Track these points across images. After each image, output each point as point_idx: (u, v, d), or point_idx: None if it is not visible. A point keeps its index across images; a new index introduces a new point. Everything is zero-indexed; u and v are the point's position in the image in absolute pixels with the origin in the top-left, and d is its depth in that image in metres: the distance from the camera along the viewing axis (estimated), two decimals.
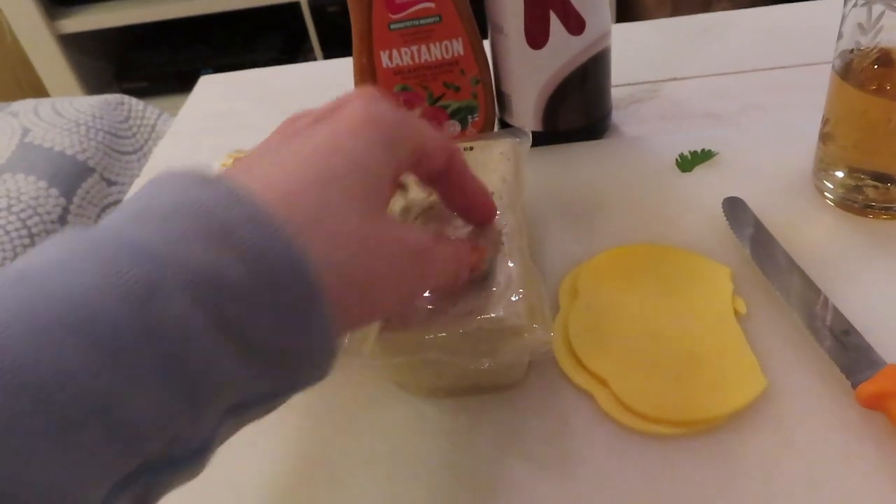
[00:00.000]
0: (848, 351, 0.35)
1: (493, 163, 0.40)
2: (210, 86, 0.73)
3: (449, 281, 0.31)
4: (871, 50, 0.41)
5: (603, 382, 0.36)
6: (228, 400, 0.22)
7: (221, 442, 0.23)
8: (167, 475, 0.21)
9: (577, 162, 0.51)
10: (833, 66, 0.42)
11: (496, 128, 0.54)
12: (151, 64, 1.76)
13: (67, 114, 0.94)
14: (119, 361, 0.19)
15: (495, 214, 0.36)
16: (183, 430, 0.21)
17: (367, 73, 0.50)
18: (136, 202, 0.23)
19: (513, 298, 0.32)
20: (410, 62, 0.49)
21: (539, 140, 0.52)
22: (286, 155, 0.26)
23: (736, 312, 0.38)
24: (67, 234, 0.21)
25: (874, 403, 0.33)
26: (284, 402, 0.25)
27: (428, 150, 0.30)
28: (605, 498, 0.32)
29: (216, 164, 0.49)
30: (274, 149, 0.27)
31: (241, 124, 0.65)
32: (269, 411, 0.24)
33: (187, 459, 0.22)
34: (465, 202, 0.35)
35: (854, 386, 0.34)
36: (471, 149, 0.42)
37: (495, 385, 0.37)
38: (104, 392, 0.19)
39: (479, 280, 0.34)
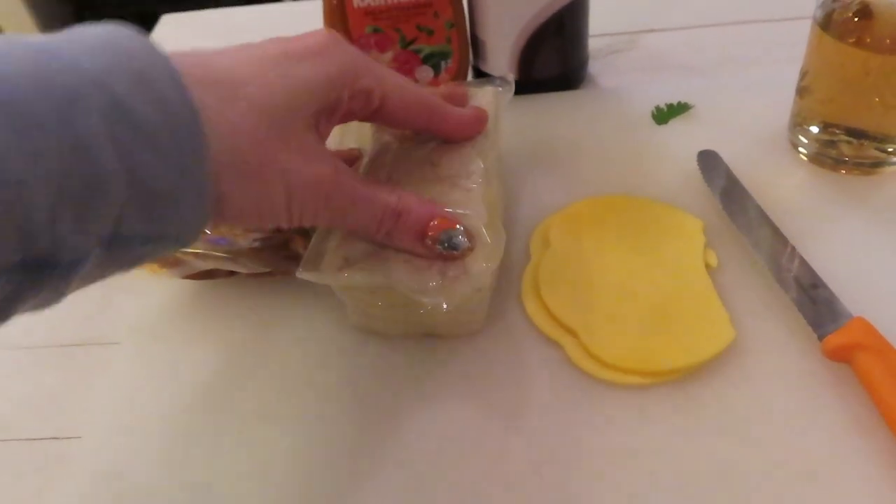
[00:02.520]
0: (815, 304, 0.35)
1: None
2: (172, 26, 0.70)
3: (366, 228, 0.32)
4: (853, 2, 0.41)
5: (571, 332, 0.35)
6: (106, 224, 0.23)
7: (84, 278, 0.24)
8: (38, 280, 0.23)
9: (551, 112, 0.50)
10: (814, 17, 0.42)
11: (470, 75, 0.53)
12: (113, 3, 1.69)
13: None
14: (36, 151, 0.21)
15: (472, 125, 0.36)
16: (65, 235, 0.22)
17: (337, 13, 0.48)
18: (74, 33, 0.25)
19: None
20: (382, 2, 0.47)
21: (514, 88, 0.51)
22: (232, 51, 0.28)
23: (707, 265, 0.38)
24: (12, 37, 0.23)
25: (839, 355, 0.33)
26: (146, 257, 0.26)
27: (374, 92, 0.31)
28: (571, 447, 0.32)
29: None
30: (227, 50, 0.29)
31: None
32: (132, 262, 0.26)
33: (61, 269, 0.23)
34: (434, 127, 0.36)
35: (820, 338, 0.34)
36: None
37: (453, 332, 0.36)
38: (17, 173, 0.20)
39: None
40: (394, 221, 0.32)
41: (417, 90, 0.34)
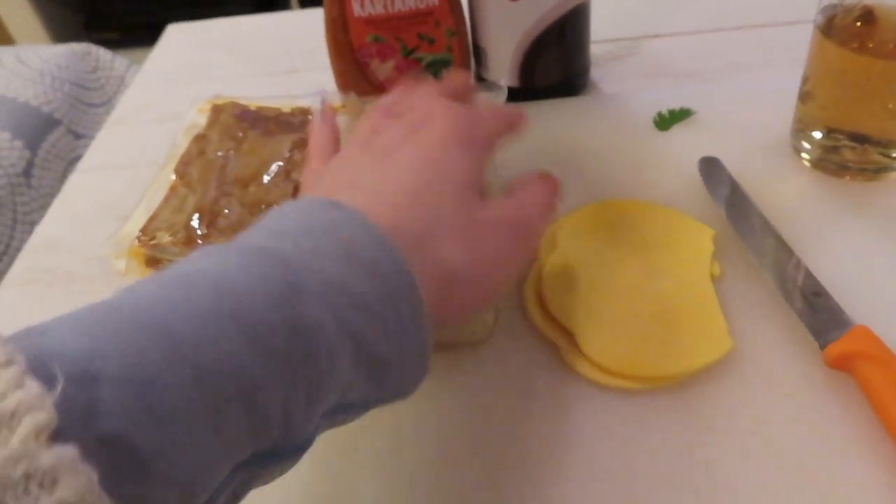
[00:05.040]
0: (817, 312, 0.35)
1: None
2: (178, 35, 0.71)
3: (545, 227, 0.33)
4: (855, 6, 0.40)
5: (570, 335, 0.35)
6: (333, 401, 0.24)
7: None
8: (268, 467, 0.23)
9: (553, 119, 0.50)
10: (815, 22, 0.41)
11: None
12: (123, 14, 1.70)
13: (32, 63, 0.91)
14: (267, 352, 0.21)
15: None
16: (296, 424, 0.22)
17: (339, 24, 0.48)
18: (268, 224, 0.26)
19: None
20: (383, 11, 0.47)
21: (515, 96, 0.51)
22: (385, 172, 0.29)
23: (710, 274, 0.38)
24: (212, 247, 0.24)
25: (841, 364, 0.33)
26: (367, 411, 0.27)
27: (497, 136, 0.34)
28: (569, 453, 0.32)
29: (191, 111, 0.47)
30: (369, 167, 0.30)
31: (209, 74, 0.63)
32: (351, 419, 0.26)
33: (289, 454, 0.23)
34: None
35: (822, 347, 0.33)
36: None
37: (460, 343, 0.36)
38: (251, 377, 0.21)
39: None
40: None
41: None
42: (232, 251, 0.23)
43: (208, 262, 0.23)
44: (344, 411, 0.25)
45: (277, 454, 0.23)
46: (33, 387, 0.17)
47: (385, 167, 0.30)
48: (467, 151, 0.31)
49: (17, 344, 0.18)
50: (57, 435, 0.16)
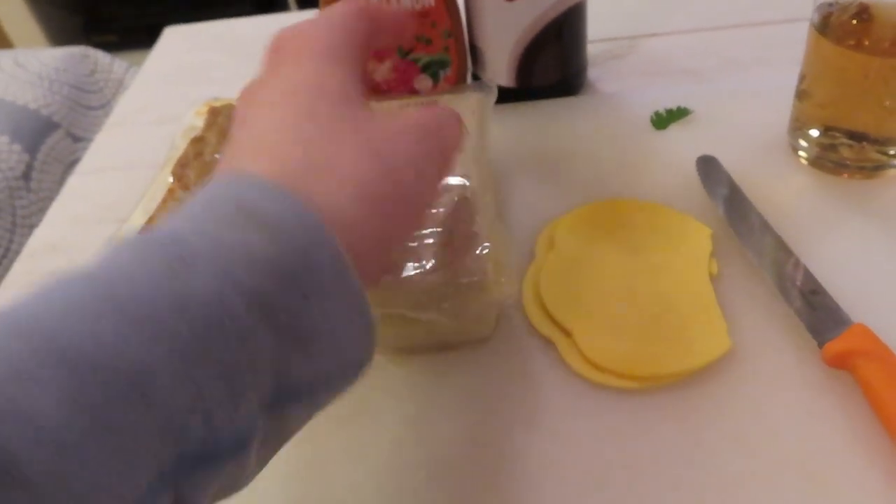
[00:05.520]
0: (815, 310, 0.35)
1: None
2: (176, 37, 0.71)
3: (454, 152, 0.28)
4: (851, 4, 0.40)
5: (567, 334, 0.35)
6: (264, 385, 0.21)
7: (265, 447, 0.22)
8: (203, 475, 0.20)
9: (551, 118, 0.50)
10: (811, 21, 0.41)
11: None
12: (122, 17, 1.70)
13: (30, 66, 0.91)
14: (154, 333, 0.18)
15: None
16: (217, 415, 0.20)
17: None
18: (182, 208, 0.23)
19: (477, 252, 0.32)
20: None
21: (513, 96, 0.51)
22: (258, 119, 0.26)
23: (709, 273, 0.38)
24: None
25: (840, 362, 0.33)
26: (327, 398, 0.23)
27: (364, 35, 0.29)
28: (568, 453, 0.32)
29: (189, 113, 0.47)
30: (247, 122, 0.27)
31: (207, 76, 0.63)
32: (312, 408, 0.23)
33: (227, 453, 0.20)
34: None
35: (820, 345, 0.33)
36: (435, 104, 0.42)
37: (462, 341, 0.36)
38: (140, 364, 0.18)
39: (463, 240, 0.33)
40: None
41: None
42: (127, 240, 0.21)
43: (91, 261, 0.20)
44: (292, 398, 0.22)
45: (211, 456, 0.20)
46: None
47: (257, 112, 0.26)
48: (331, 62, 0.27)
49: None
50: None
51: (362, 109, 0.27)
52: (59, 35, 1.70)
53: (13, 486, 0.16)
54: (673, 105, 0.49)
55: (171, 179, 0.42)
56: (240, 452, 0.21)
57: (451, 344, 0.36)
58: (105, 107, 0.95)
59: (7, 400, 0.16)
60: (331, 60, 0.27)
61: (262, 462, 0.23)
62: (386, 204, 0.25)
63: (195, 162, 0.43)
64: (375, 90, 0.50)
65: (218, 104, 0.47)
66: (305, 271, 0.21)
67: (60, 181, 0.83)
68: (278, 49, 0.29)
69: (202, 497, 0.20)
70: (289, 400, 0.22)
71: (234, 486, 0.22)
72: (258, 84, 0.28)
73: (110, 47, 1.49)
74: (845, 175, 0.43)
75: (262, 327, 0.20)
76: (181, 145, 0.45)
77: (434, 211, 0.34)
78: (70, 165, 0.88)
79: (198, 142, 0.44)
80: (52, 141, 0.86)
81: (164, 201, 0.41)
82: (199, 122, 0.46)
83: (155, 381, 0.18)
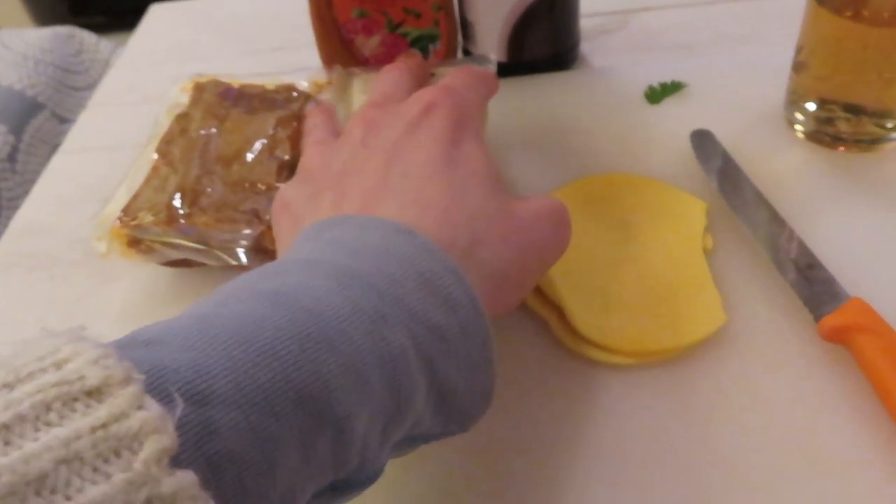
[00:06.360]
0: (812, 285, 0.34)
1: None
2: (161, 15, 0.69)
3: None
4: None
5: (560, 311, 0.35)
6: (404, 433, 0.24)
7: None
8: (337, 499, 0.23)
9: (543, 93, 0.49)
10: None
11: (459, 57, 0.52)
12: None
13: (15, 46, 0.89)
14: (359, 379, 0.21)
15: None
16: (371, 455, 0.22)
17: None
18: (341, 239, 0.25)
19: None
20: None
21: (504, 71, 0.50)
22: (409, 177, 0.29)
23: (703, 248, 0.37)
24: (287, 262, 0.24)
25: (836, 336, 0.32)
26: (429, 442, 0.26)
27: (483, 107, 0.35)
28: (560, 429, 0.32)
29: (174, 89, 0.46)
30: (382, 167, 0.29)
31: (193, 54, 0.62)
32: (408, 452, 0.26)
33: (358, 485, 0.23)
34: None
35: (817, 319, 0.33)
36: (433, 75, 0.42)
37: None
38: (344, 404, 0.20)
39: None
40: None
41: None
42: (316, 269, 0.23)
43: (291, 279, 0.23)
44: (408, 444, 0.25)
45: (349, 485, 0.22)
46: (154, 407, 0.16)
47: (408, 170, 0.29)
48: (476, 139, 0.31)
49: (126, 355, 0.17)
50: (174, 458, 0.16)
51: (507, 192, 0.30)
52: (45, 16, 1.68)
53: None
54: (667, 79, 0.48)
55: (155, 156, 0.41)
56: (365, 486, 0.23)
57: None
58: (91, 87, 0.93)
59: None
60: (477, 139, 0.31)
61: None
62: (508, 290, 0.28)
63: (180, 139, 0.42)
64: (364, 65, 0.49)
65: (203, 80, 0.46)
66: (465, 346, 0.24)
67: (46, 163, 0.81)
68: (432, 105, 0.31)
69: None
70: (407, 446, 0.25)
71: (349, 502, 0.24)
72: (380, 122, 0.32)
73: (98, 28, 1.47)
74: (842, 148, 0.43)
75: (424, 385, 0.23)
76: (165, 122, 0.44)
77: None
78: (56, 147, 0.85)
79: (182, 118, 0.43)
80: (38, 122, 0.84)
81: (148, 179, 0.40)
82: (184, 99, 0.45)
83: (348, 418, 0.20)
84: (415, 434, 0.25)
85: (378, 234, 0.25)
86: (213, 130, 0.42)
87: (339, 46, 0.49)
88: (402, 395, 0.22)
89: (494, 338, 0.26)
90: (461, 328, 0.24)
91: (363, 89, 0.44)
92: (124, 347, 0.18)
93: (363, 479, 0.23)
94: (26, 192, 0.51)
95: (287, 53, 0.59)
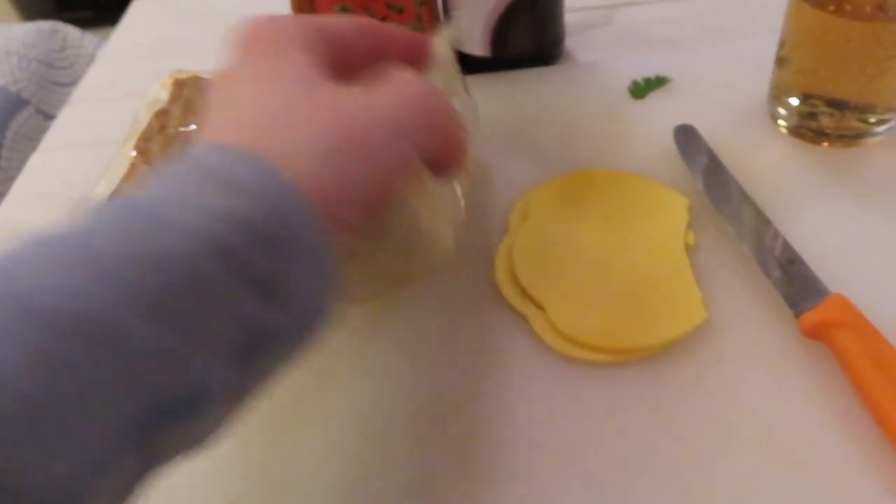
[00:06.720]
0: (793, 281, 0.34)
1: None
2: (145, 9, 0.69)
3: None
4: None
5: (541, 308, 0.34)
6: (232, 337, 0.21)
7: (232, 401, 0.22)
8: (170, 429, 0.20)
9: (527, 88, 0.49)
10: None
11: None
12: None
13: None
14: (124, 286, 0.19)
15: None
16: (186, 366, 0.20)
17: None
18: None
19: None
20: None
21: (488, 66, 0.50)
22: (228, 96, 0.27)
23: (685, 244, 0.37)
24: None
25: (816, 333, 0.32)
26: (294, 349, 0.24)
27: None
28: (540, 427, 0.31)
29: (154, 86, 0.46)
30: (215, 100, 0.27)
31: (176, 49, 0.61)
32: (279, 362, 0.23)
33: (190, 409, 0.21)
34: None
35: (797, 315, 0.33)
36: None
37: (414, 275, 0.33)
38: (107, 315, 0.19)
39: None
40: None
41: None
42: (88, 209, 0.21)
43: (64, 223, 0.21)
44: (261, 351, 0.22)
45: (178, 408, 0.20)
46: None
47: (223, 96, 0.27)
48: (299, 49, 0.27)
49: None
50: None
51: (325, 84, 0.26)
52: (31, 11, 1.66)
53: None
54: (651, 74, 0.48)
55: (133, 154, 0.41)
56: (207, 404, 0.21)
57: (404, 280, 0.33)
58: (76, 83, 0.92)
59: None
60: (300, 48, 0.27)
61: (230, 417, 0.23)
62: (343, 161, 0.24)
63: (159, 136, 0.42)
64: None
65: (183, 76, 0.46)
66: (283, 231, 0.22)
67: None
68: (250, 36, 0.29)
69: (169, 452, 0.21)
70: (257, 352, 0.22)
71: (201, 441, 0.22)
72: (227, 72, 0.29)
73: (84, 23, 1.46)
74: (825, 144, 0.43)
75: (236, 283, 0.21)
76: (144, 119, 0.43)
77: None
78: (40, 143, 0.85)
79: (162, 115, 0.43)
80: (22, 118, 0.83)
81: (127, 176, 0.40)
82: (164, 95, 0.45)
83: (122, 331, 0.19)
84: (258, 340, 0.22)
85: (178, 160, 0.24)
86: (193, 127, 0.41)
87: None
88: (204, 296, 0.20)
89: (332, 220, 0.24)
90: (279, 217, 0.22)
91: None
92: None
93: (196, 393, 0.20)
94: (10, 190, 0.51)
95: None
